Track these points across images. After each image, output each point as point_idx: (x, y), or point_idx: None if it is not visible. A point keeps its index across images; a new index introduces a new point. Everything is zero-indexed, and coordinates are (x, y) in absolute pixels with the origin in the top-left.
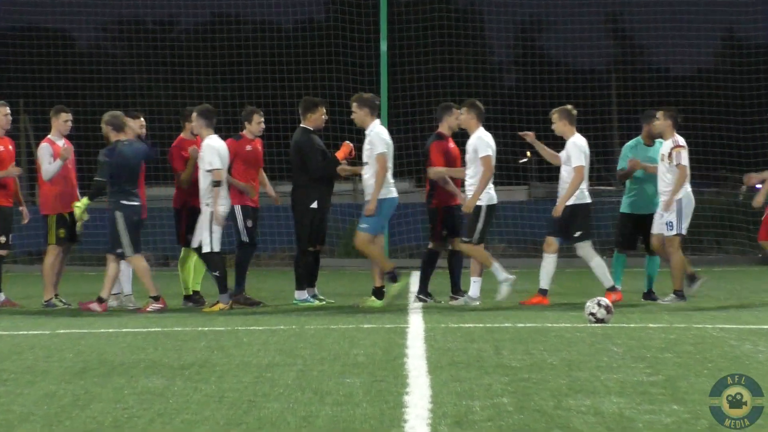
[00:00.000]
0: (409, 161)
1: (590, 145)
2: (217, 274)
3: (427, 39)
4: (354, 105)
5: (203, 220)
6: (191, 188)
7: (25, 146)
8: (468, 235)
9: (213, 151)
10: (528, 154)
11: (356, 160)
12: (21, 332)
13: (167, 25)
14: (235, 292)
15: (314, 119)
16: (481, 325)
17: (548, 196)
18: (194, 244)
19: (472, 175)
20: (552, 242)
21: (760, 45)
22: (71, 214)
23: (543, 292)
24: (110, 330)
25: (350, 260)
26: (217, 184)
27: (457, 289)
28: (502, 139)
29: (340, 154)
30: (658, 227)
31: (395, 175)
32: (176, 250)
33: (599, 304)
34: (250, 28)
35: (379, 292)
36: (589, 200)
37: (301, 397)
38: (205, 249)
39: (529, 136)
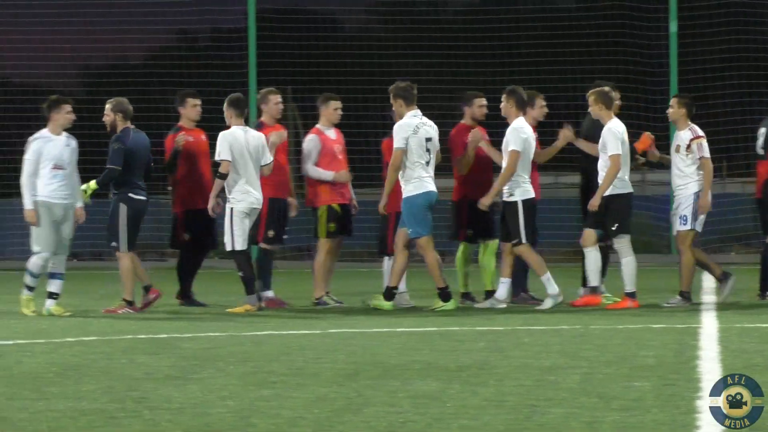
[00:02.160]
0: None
1: None
2: (241, 274)
3: (720, 18)
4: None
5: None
6: (471, 180)
7: (293, 135)
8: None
9: (225, 142)
10: None
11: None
12: (290, 332)
13: (438, 6)
14: None
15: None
16: None
17: None
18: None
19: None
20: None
21: None
22: (342, 206)
23: (593, 290)
24: (383, 330)
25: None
26: (222, 176)
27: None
28: None
29: (639, 146)
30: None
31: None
32: (451, 245)
33: None
34: (530, 8)
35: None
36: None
37: (585, 402)
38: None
39: None
